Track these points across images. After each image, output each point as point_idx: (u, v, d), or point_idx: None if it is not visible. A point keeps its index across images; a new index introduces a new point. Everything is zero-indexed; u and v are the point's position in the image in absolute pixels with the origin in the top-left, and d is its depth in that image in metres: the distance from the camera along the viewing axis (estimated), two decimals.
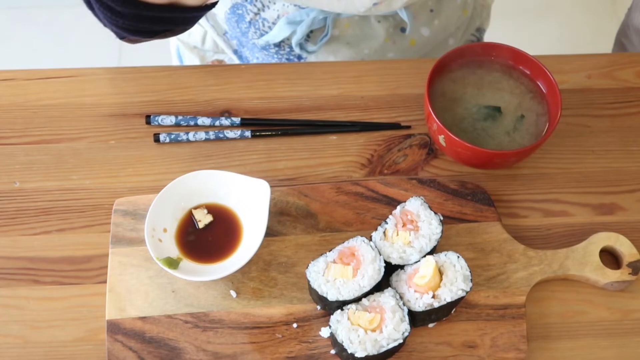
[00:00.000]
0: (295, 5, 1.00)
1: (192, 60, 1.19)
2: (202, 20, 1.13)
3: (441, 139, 0.84)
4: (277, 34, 1.02)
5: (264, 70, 0.98)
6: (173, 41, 1.22)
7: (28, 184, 0.88)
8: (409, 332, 0.73)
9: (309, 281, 0.76)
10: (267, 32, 1.04)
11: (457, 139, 0.81)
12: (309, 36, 1.04)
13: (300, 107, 0.94)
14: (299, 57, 1.07)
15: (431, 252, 0.78)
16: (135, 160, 0.90)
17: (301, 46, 1.04)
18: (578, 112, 0.95)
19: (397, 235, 0.79)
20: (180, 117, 0.92)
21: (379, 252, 0.77)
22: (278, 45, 1.06)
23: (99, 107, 0.93)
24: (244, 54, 1.13)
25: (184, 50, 1.19)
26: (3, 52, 2.10)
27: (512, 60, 0.90)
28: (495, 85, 0.90)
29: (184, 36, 1.17)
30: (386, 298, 0.75)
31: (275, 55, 1.08)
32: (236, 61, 1.17)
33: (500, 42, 0.90)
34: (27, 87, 0.95)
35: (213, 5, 0.77)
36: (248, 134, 0.91)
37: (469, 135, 0.86)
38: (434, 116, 0.83)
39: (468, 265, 0.76)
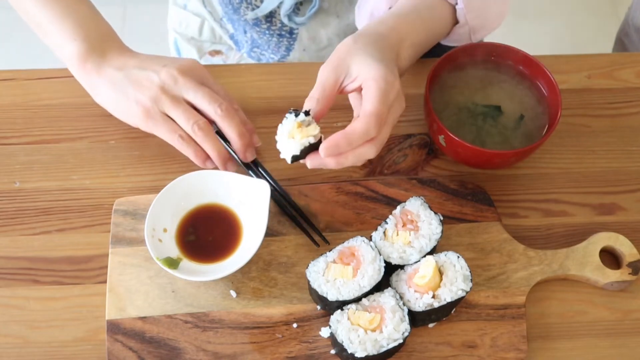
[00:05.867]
0: None
1: (189, 51, 1.19)
2: (200, 8, 1.14)
3: (441, 139, 0.84)
4: (266, 5, 1.02)
5: (264, 70, 0.98)
6: (170, 33, 1.22)
7: (28, 184, 0.88)
8: (409, 332, 0.73)
9: (309, 281, 0.76)
10: (258, 7, 1.04)
11: (457, 139, 0.81)
12: (299, 8, 1.03)
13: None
14: (290, 32, 1.07)
15: (431, 252, 0.78)
16: (135, 160, 0.90)
17: (289, 17, 1.04)
18: (578, 112, 0.95)
19: (397, 235, 0.79)
20: None
21: (379, 252, 0.77)
22: (269, 20, 1.05)
23: (99, 107, 0.92)
24: (237, 37, 1.13)
25: (182, 42, 1.19)
26: (3, 52, 2.09)
27: (512, 60, 0.90)
28: (495, 85, 0.89)
29: (181, 28, 1.17)
30: (386, 298, 0.75)
31: (267, 31, 1.07)
32: (233, 49, 1.16)
33: (500, 42, 0.90)
34: (27, 87, 0.95)
35: None
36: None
37: (469, 135, 0.86)
38: (434, 116, 0.83)
39: (468, 265, 0.76)
